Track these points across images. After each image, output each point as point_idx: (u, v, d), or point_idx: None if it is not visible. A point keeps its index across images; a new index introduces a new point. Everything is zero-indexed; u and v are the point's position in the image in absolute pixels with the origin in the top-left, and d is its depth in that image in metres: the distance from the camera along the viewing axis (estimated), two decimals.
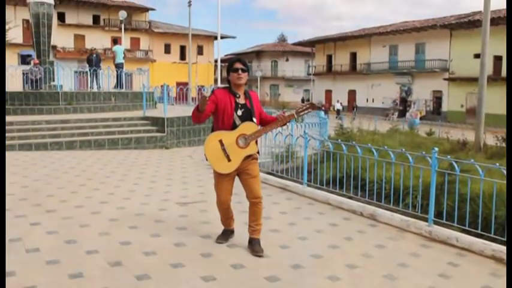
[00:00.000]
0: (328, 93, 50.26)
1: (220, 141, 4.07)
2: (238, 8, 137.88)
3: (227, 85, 4.27)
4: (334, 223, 5.45)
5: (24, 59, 31.87)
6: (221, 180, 4.23)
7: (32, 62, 17.65)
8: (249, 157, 4.13)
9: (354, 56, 48.02)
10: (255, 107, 4.18)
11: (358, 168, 7.26)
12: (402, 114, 40.07)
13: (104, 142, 11.59)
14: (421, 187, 5.79)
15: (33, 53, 17.56)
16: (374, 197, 6.05)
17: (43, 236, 4.53)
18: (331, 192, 6.64)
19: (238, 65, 4.14)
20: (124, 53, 18.70)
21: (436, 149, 5.13)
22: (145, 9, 50.16)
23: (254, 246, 4.22)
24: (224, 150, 4.06)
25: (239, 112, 4.12)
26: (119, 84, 17.81)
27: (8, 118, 12.00)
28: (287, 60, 59.67)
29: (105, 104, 15.21)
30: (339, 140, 6.76)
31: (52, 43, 44.58)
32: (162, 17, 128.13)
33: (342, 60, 48.85)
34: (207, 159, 4.16)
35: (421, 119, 34.68)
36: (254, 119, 4.12)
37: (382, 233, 5.10)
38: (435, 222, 5.14)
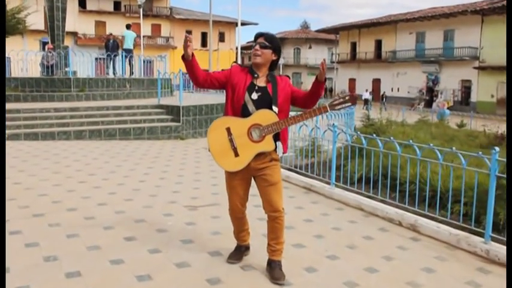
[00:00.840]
0: (352, 81, 48.92)
1: (228, 129, 3.23)
2: None
3: (248, 66, 3.46)
4: (369, 235, 4.58)
5: (45, 46, 31.57)
6: (231, 181, 3.41)
7: (46, 47, 17.12)
8: (264, 156, 3.28)
9: (379, 44, 46.50)
10: (279, 95, 3.29)
11: (393, 167, 6.35)
12: (429, 104, 38.68)
13: (114, 132, 10.87)
14: (469, 193, 4.89)
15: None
16: (415, 203, 5.14)
17: (20, 250, 3.78)
18: (363, 195, 5.77)
19: (258, 39, 3.33)
20: (135, 39, 17.87)
21: (497, 148, 4.19)
22: None
23: (274, 272, 3.38)
24: (231, 141, 3.23)
25: (254, 95, 3.27)
26: (130, 70, 17.18)
27: (16, 105, 11.43)
28: (310, 47, 58.33)
29: (119, 91, 14.51)
30: (374, 135, 5.85)
31: (73, 30, 44.25)
32: (184, 4, 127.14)
33: (366, 48, 47.38)
34: (209, 150, 3.33)
35: (448, 109, 33.26)
36: (274, 108, 3.26)
37: (428, 251, 4.21)
38: (493, 239, 4.24)
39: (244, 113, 3.24)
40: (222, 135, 3.24)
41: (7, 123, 9.86)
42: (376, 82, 45.80)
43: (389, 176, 5.53)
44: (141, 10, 32.37)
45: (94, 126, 10.94)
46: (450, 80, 38.92)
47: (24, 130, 10.20)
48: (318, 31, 56.24)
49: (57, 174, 6.83)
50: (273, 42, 3.33)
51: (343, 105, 3.27)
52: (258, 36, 3.35)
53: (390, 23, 44.17)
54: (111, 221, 4.62)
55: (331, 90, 52.38)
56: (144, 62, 21.42)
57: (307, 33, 62.44)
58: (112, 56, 16.73)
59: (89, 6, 45.96)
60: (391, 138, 5.42)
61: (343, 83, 49.60)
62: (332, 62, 54.05)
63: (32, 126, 10.45)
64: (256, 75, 3.33)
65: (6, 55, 18.38)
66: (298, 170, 7.07)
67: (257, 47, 3.30)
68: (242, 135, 3.20)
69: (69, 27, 42.99)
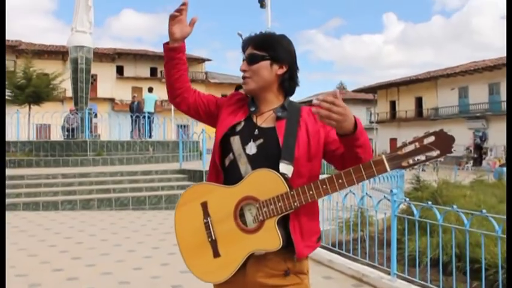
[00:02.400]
0: (393, 141, 46.83)
1: (204, 205, 1.68)
2: None
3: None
4: None
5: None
6: None
7: (68, 110, 16.48)
8: (270, 261, 1.65)
9: (419, 101, 44.79)
10: (299, 141, 1.71)
11: (475, 247, 4.60)
12: (478, 162, 36.11)
13: (127, 201, 9.46)
14: None
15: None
16: None
17: None
18: None
19: (246, 52, 1.82)
20: (156, 102, 17.13)
21: None
22: (202, 60, 50.03)
23: None
24: (208, 227, 1.66)
25: (251, 147, 1.73)
26: (149, 133, 16.30)
27: (24, 171, 10.32)
28: None
29: (141, 155, 13.34)
30: (451, 206, 4.16)
31: (110, 96, 44.85)
32: (219, 68, 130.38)
33: (406, 106, 45.70)
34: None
35: (500, 166, 30.67)
36: (285, 167, 1.65)
37: None
38: None
39: (230, 176, 1.71)
40: (194, 216, 1.68)
41: (7, 191, 8.66)
42: None
43: (483, 263, 3.77)
44: None
45: (104, 194, 9.59)
46: (500, 136, 36.34)
47: (24, 199, 8.97)
48: (355, 91, 55.20)
49: (33, 257, 5.37)
50: (270, 46, 1.78)
51: (424, 157, 1.60)
52: (245, 45, 1.84)
53: (430, 80, 42.59)
54: None
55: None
56: (179, 126, 20.52)
57: (344, 93, 61.53)
58: (134, 117, 15.87)
59: (126, 73, 46.86)
60: (483, 211, 3.70)
61: (384, 144, 47.62)
62: (371, 122, 52.52)
63: (34, 194, 9.22)
64: (254, 110, 1.79)
65: (45, 122, 17.97)
66: (343, 252, 5.33)
67: (243, 65, 1.79)
68: (226, 217, 1.63)
69: (106, 93, 44.15)
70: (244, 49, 1.84)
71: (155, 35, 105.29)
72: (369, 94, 53.32)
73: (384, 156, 1.56)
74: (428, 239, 4.44)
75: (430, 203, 4.19)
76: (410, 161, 1.56)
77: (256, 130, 1.74)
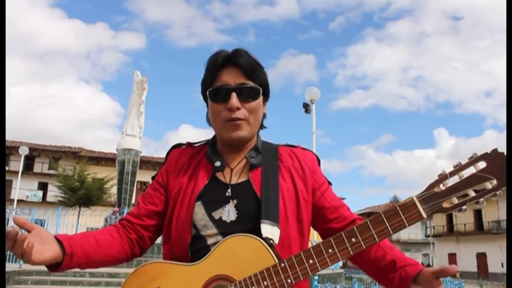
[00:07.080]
0: (452, 257, 43.83)
1: None
2: (347, 176, 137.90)
3: (204, 141, 1.48)
4: None
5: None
6: None
7: (112, 211, 16.62)
8: None
9: (478, 214, 42.38)
10: (283, 194, 1.30)
11: None
12: None
13: None
14: None
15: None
16: None
17: None
18: None
19: (227, 78, 1.32)
20: None
21: None
22: None
23: None
24: None
25: (223, 212, 1.28)
26: None
27: None
28: None
29: None
30: None
31: None
32: None
33: (464, 219, 43.25)
34: None
35: None
36: (268, 228, 1.21)
37: None
38: None
39: (196, 253, 1.26)
40: None
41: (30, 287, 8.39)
42: (481, 257, 40.48)
43: None
44: None
45: None
46: None
47: None
48: None
49: None
50: (260, 74, 1.36)
51: (473, 193, 1.13)
52: (223, 62, 1.33)
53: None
54: None
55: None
56: None
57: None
58: None
59: None
60: None
61: (442, 259, 44.63)
62: (427, 236, 49.99)
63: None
64: (219, 166, 1.35)
65: (95, 224, 18.12)
66: None
67: (234, 100, 1.30)
68: None
69: None
70: (215, 70, 1.34)
71: None
72: None
73: (414, 197, 1.13)
74: None
75: None
76: (455, 201, 1.13)
77: (229, 189, 1.31)
